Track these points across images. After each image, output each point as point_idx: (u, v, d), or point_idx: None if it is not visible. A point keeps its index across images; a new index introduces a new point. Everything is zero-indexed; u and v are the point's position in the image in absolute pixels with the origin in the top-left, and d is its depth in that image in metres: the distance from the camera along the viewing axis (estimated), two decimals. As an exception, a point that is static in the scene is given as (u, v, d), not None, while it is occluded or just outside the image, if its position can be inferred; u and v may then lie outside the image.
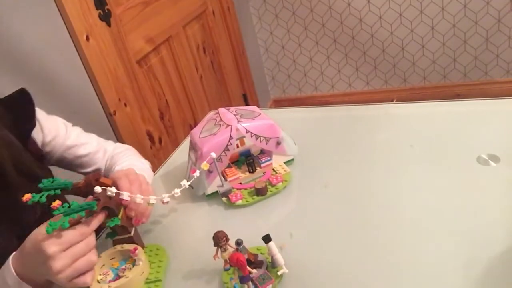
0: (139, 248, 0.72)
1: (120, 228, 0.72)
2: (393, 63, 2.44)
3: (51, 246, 0.59)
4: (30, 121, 0.84)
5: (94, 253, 0.64)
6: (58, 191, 0.65)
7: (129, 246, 0.72)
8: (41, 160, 0.86)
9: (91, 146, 0.94)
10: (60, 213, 0.60)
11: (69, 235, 0.61)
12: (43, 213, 0.77)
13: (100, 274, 0.69)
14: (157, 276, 0.70)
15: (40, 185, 0.65)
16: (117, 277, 0.68)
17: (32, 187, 0.65)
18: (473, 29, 2.20)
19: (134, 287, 0.67)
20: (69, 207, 0.61)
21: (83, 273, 0.63)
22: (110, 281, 0.68)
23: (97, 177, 0.68)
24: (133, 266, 0.69)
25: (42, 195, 0.63)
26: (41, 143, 0.86)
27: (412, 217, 0.70)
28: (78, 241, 0.62)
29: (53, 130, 0.88)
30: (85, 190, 0.67)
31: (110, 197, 0.67)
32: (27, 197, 0.62)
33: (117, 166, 0.90)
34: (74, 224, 0.62)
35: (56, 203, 0.60)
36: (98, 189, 0.65)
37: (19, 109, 0.83)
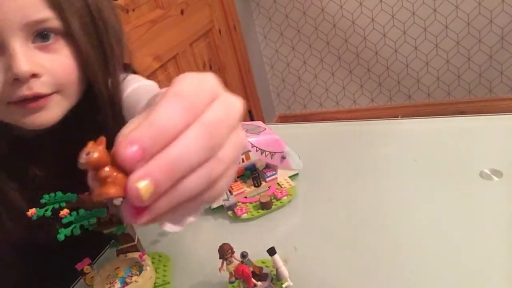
0: (146, 254, 0.73)
1: (124, 236, 0.73)
2: (397, 80, 2.46)
3: None
4: None
5: None
6: (63, 204, 0.66)
7: (133, 254, 0.73)
8: None
9: None
10: (69, 221, 0.61)
11: None
12: None
13: (107, 284, 0.70)
14: (164, 279, 0.71)
15: (43, 200, 0.64)
16: (125, 284, 0.69)
17: None
18: (477, 47, 2.22)
19: None
20: (77, 215, 0.62)
21: None
22: None
23: None
24: (140, 273, 0.70)
25: (47, 209, 0.63)
26: None
27: (415, 230, 0.70)
28: None
29: None
30: (90, 201, 0.68)
31: (115, 206, 0.68)
32: (32, 211, 0.62)
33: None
34: None
35: (65, 212, 0.61)
36: None
37: None
